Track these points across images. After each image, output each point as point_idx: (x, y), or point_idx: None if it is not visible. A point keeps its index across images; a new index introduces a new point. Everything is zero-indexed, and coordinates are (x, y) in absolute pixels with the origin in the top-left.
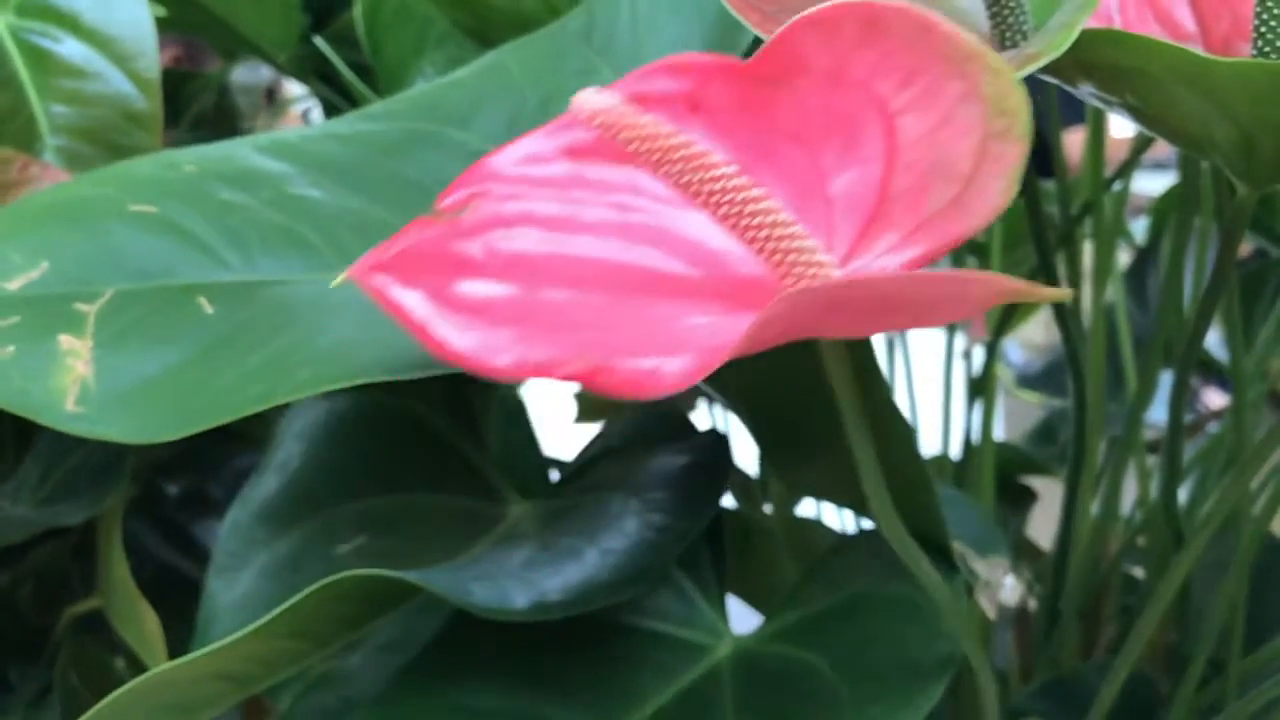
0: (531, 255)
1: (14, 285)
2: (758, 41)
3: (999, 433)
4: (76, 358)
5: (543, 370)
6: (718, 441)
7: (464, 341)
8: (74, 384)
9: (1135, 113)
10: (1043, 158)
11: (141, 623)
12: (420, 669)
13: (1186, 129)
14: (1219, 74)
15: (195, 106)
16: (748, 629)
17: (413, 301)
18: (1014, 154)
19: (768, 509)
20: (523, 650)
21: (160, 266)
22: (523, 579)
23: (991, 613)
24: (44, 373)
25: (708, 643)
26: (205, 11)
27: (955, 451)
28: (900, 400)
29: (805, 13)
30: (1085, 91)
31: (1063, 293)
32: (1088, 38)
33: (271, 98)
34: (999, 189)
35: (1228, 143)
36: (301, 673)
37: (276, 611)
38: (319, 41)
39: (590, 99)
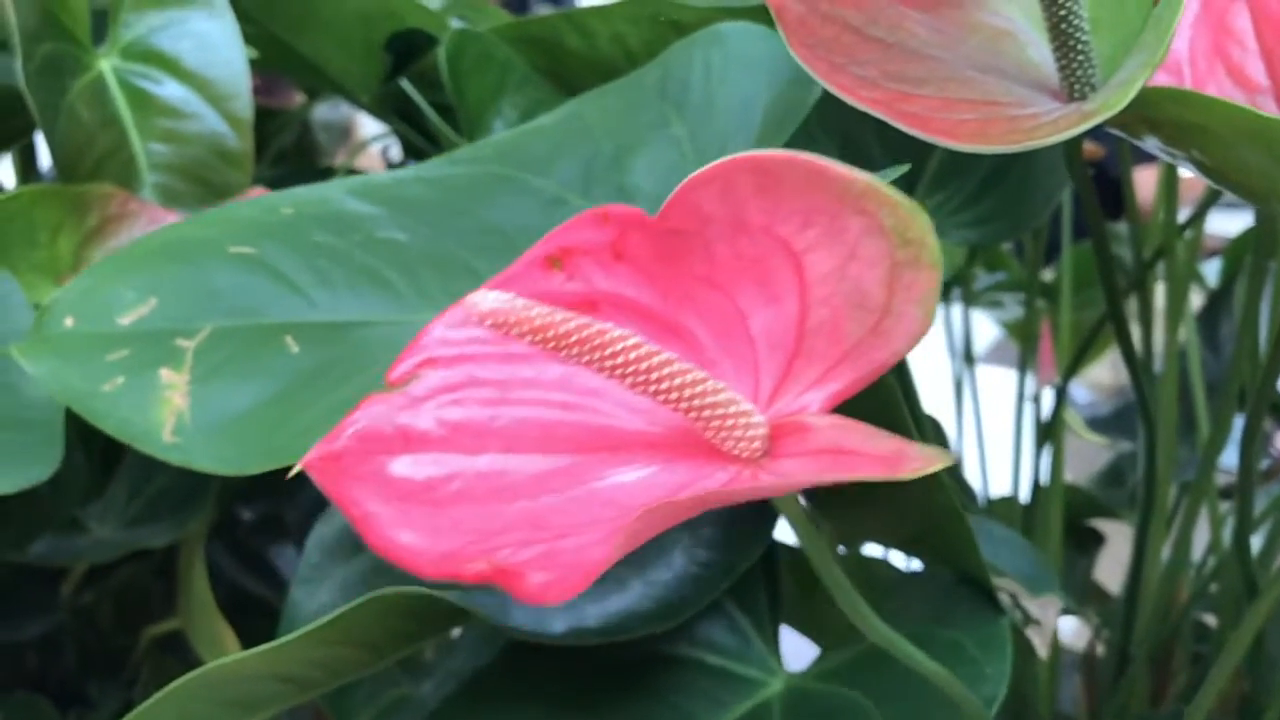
0: (474, 422)
1: (127, 320)
2: (828, 93)
3: (1068, 476)
4: (175, 390)
5: (455, 569)
6: None
7: (401, 539)
8: (171, 415)
9: (1201, 167)
10: (1114, 198)
11: (221, 643)
12: (472, 692)
13: (1252, 184)
14: None
15: (277, 143)
16: (807, 662)
17: (357, 494)
18: (926, 280)
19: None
20: (575, 677)
21: (254, 305)
22: (564, 604)
23: (1043, 652)
24: (146, 404)
25: (760, 678)
26: (293, 53)
27: (1025, 494)
28: (969, 443)
29: (697, 172)
30: (1151, 145)
31: (945, 459)
32: (1152, 95)
33: (348, 134)
34: (917, 315)
35: None
36: (376, 697)
37: (326, 619)
38: (405, 84)
39: (480, 302)
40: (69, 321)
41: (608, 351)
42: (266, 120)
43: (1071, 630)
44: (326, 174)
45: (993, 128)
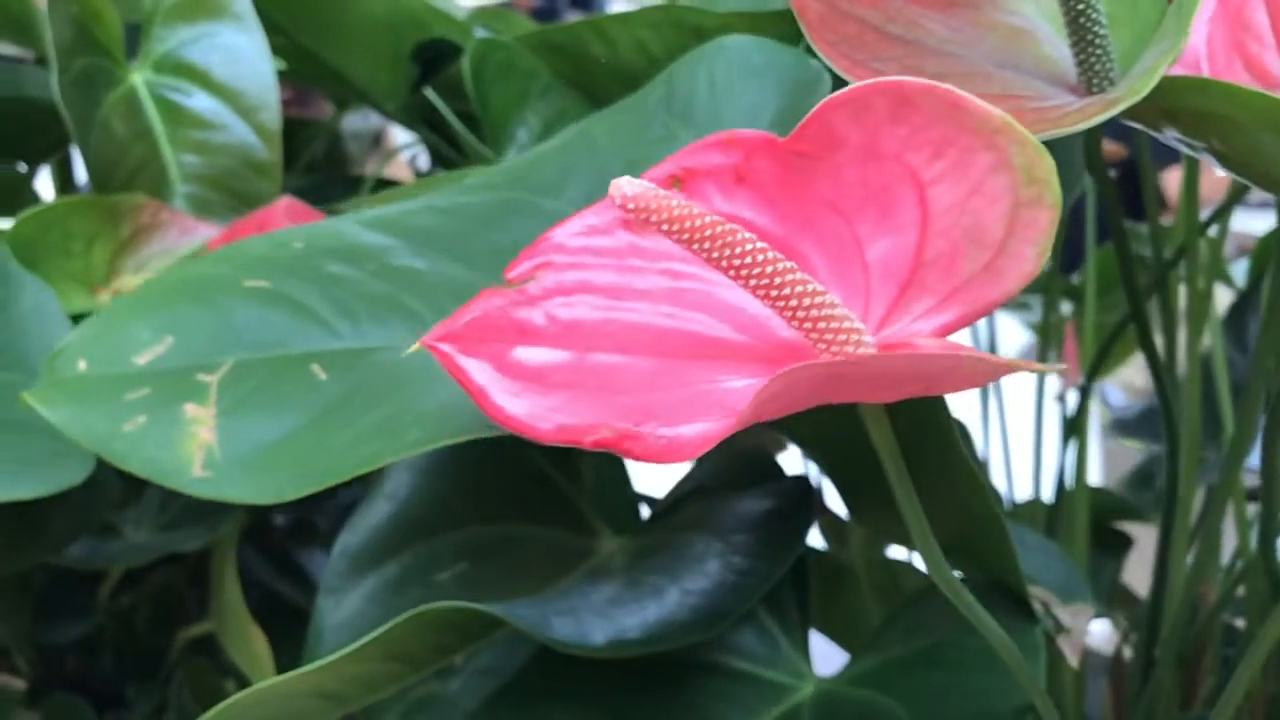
0: (587, 322)
1: (143, 360)
2: (837, 86)
3: (1098, 476)
4: (201, 424)
5: (576, 437)
6: (802, 487)
7: (514, 408)
8: (199, 450)
9: (1221, 158)
10: (1136, 198)
11: (251, 646)
12: (508, 695)
13: (1273, 173)
14: None
15: (308, 152)
16: (835, 668)
17: (474, 369)
18: (1045, 220)
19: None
20: (608, 681)
21: (275, 337)
22: (604, 615)
23: (1074, 661)
24: (172, 440)
25: (790, 683)
26: (321, 64)
27: (1049, 497)
28: (995, 445)
29: (837, 93)
30: (1170, 136)
31: (1057, 367)
32: (1172, 84)
33: (377, 143)
34: (1031, 255)
35: None
36: (404, 695)
37: (369, 637)
38: (430, 94)
39: (624, 185)
40: (82, 365)
41: (738, 251)
42: (297, 130)
43: (1100, 634)
44: (357, 183)
45: (1020, 119)
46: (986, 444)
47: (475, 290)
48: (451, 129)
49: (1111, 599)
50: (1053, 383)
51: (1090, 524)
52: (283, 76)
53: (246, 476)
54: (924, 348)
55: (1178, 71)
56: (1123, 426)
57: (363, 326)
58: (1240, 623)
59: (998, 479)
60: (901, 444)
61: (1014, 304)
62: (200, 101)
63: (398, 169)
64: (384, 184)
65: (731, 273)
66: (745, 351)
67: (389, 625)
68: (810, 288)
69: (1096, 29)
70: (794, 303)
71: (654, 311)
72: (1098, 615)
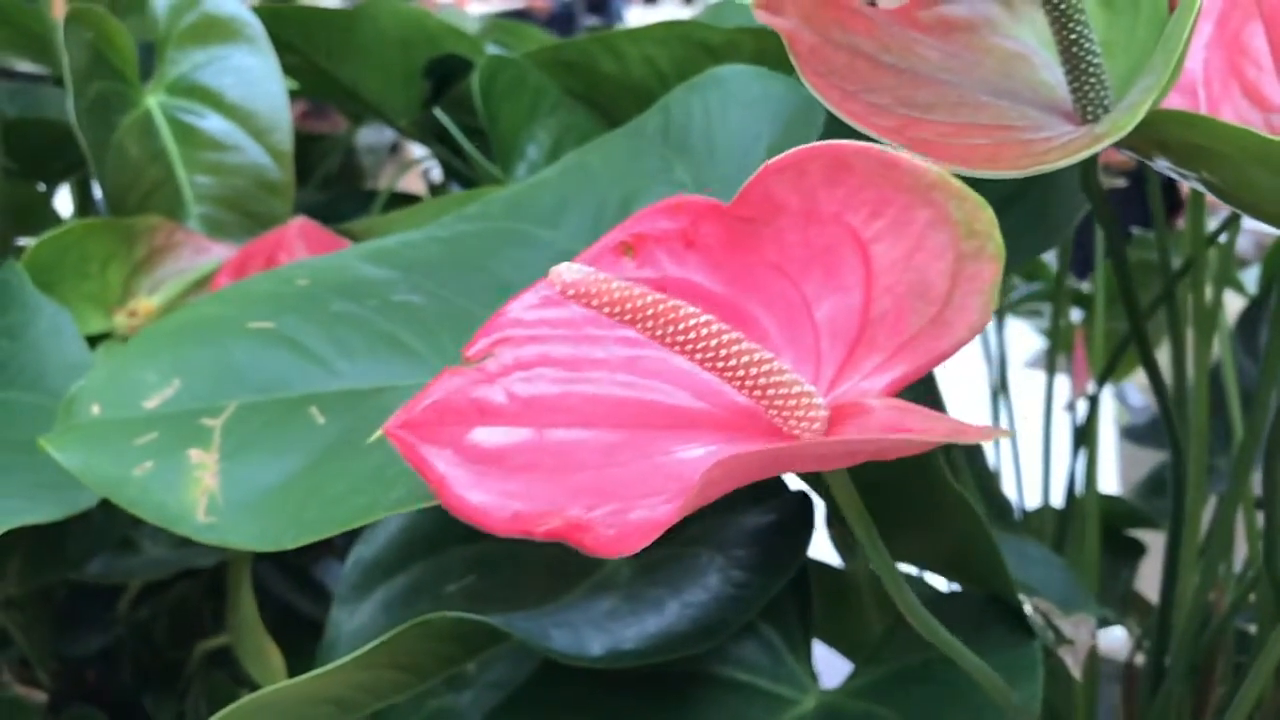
0: (547, 397)
1: (152, 404)
2: (830, 124)
3: (1114, 480)
4: (204, 470)
5: (529, 527)
6: (803, 503)
7: (473, 498)
8: (203, 495)
9: (1212, 188)
10: (1140, 207)
11: (267, 660)
12: (513, 706)
13: (1262, 205)
14: None
15: (323, 167)
16: (837, 677)
17: (433, 458)
18: (988, 273)
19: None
20: (610, 692)
21: (277, 379)
22: (602, 627)
23: (1077, 673)
24: (178, 486)
25: (792, 696)
26: (334, 81)
27: (1061, 504)
28: (1006, 453)
29: (772, 160)
30: (1162, 165)
31: (1000, 431)
32: (1161, 118)
33: (395, 151)
34: (977, 306)
35: None
36: (419, 707)
37: (374, 644)
38: (438, 113)
39: (564, 273)
40: (95, 409)
41: (681, 327)
42: (312, 145)
43: (1114, 641)
44: (370, 197)
45: (1005, 152)
46: (998, 453)
47: (475, 321)
48: (463, 143)
49: (1125, 606)
50: (1062, 390)
51: (1102, 531)
52: (300, 94)
53: (248, 522)
54: (866, 424)
55: (1173, 99)
56: (1135, 434)
57: (362, 365)
58: (1252, 627)
59: (1008, 488)
60: (887, 469)
61: (1025, 311)
62: (214, 123)
63: (412, 181)
64: (398, 198)
65: (677, 348)
66: (702, 419)
67: (393, 633)
68: (757, 356)
69: (1090, 58)
70: (741, 373)
71: (612, 381)
72: (1110, 623)
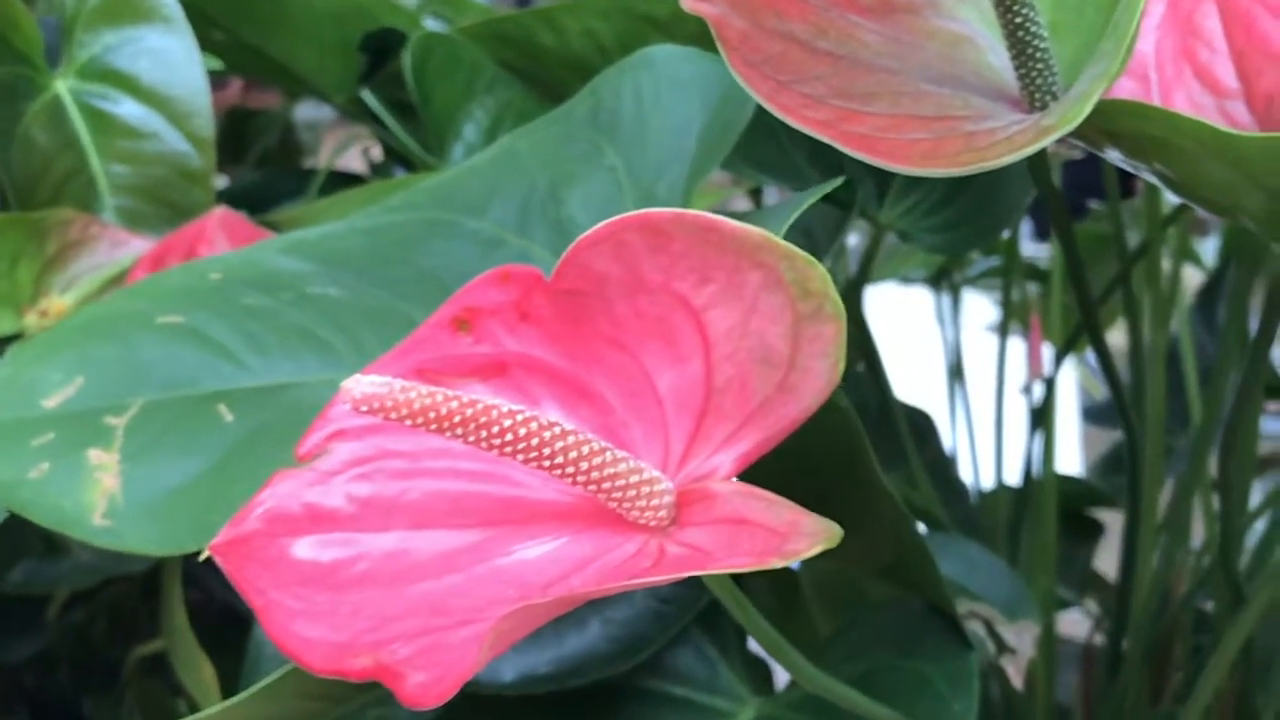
0: (384, 496)
1: (52, 403)
2: (761, 111)
3: (1078, 457)
4: (105, 471)
5: (340, 668)
6: None
7: (298, 629)
8: (102, 497)
9: (1165, 180)
10: (1097, 175)
11: (197, 670)
12: None
13: (1216, 199)
14: (1246, 147)
15: (259, 144)
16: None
17: (256, 582)
18: (830, 333)
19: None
20: (538, 711)
21: (185, 376)
22: (518, 649)
23: (1018, 682)
24: (75, 488)
25: (728, 708)
26: (264, 57)
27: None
28: (961, 435)
29: (586, 233)
30: (1114, 156)
31: (826, 538)
32: (1111, 108)
33: (341, 123)
34: (823, 368)
35: (1259, 211)
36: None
37: (276, 676)
38: (365, 96)
39: (353, 388)
40: None
41: (494, 430)
42: (248, 121)
43: (1072, 620)
44: (308, 176)
45: (945, 147)
46: (953, 432)
47: (395, 317)
48: (406, 120)
49: (1083, 586)
50: (1015, 371)
51: (1060, 512)
52: (230, 72)
53: (147, 526)
54: (719, 494)
55: (1124, 84)
56: (1095, 415)
57: (274, 360)
58: (1211, 605)
59: (964, 470)
60: (823, 476)
61: (983, 285)
62: (129, 109)
63: (355, 158)
64: (337, 177)
65: (495, 451)
66: (545, 510)
67: (292, 667)
68: (586, 450)
69: (1036, 42)
70: (570, 469)
71: (454, 470)
72: (1068, 604)
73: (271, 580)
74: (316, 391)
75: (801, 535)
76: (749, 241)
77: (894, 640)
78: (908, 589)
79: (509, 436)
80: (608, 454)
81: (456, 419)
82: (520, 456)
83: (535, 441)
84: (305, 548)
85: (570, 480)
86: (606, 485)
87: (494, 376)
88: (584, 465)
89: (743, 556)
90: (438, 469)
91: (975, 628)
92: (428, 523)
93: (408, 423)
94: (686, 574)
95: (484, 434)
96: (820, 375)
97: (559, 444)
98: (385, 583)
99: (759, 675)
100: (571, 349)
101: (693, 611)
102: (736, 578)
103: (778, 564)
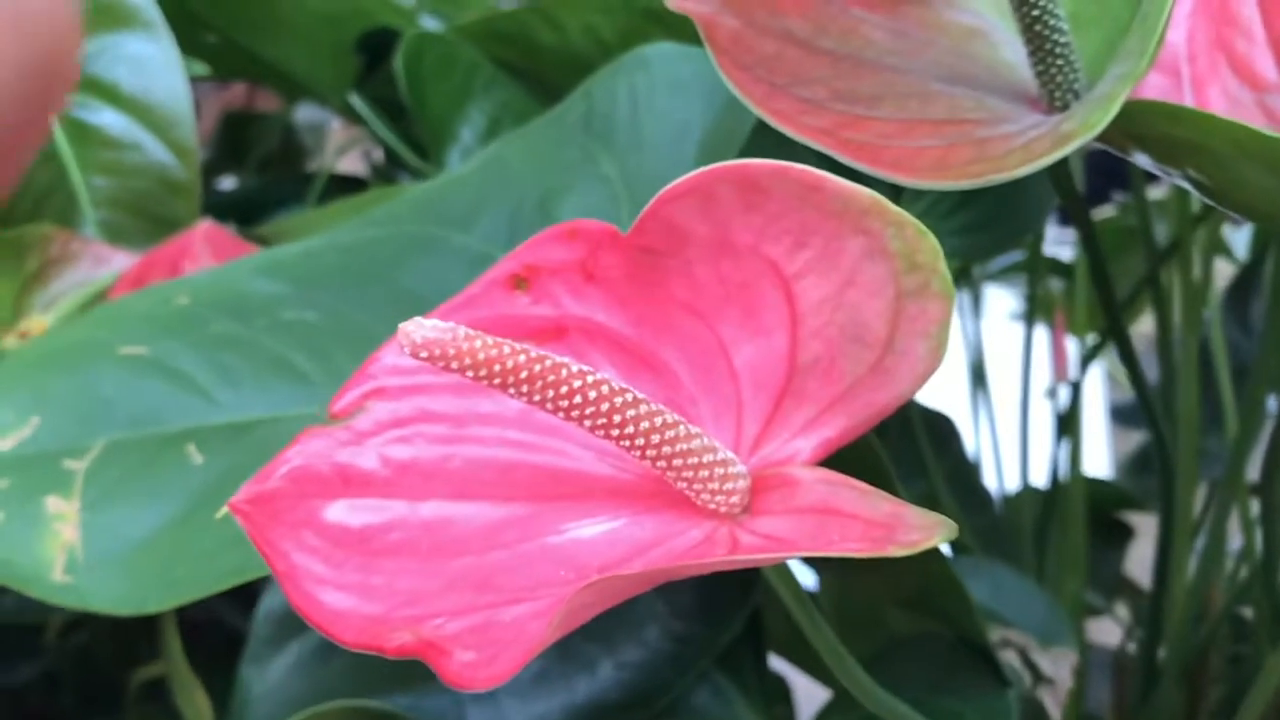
0: (424, 461)
1: (6, 445)
2: (761, 121)
3: (1106, 455)
4: (64, 522)
5: (378, 644)
6: None
7: (328, 599)
8: (61, 551)
9: (1198, 186)
10: (1120, 169)
11: (193, 700)
12: None
13: (1254, 204)
14: None
15: (260, 148)
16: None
17: (282, 544)
18: (936, 311)
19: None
20: None
21: (150, 413)
22: (525, 696)
23: (1056, 715)
24: (31, 541)
25: None
26: (259, 60)
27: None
28: (985, 441)
29: (673, 183)
30: (1142, 160)
31: (942, 530)
32: (1137, 110)
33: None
34: (924, 350)
35: None
36: None
37: None
38: (355, 100)
39: (413, 331)
40: None
41: (563, 390)
42: (248, 125)
43: (1102, 628)
44: (308, 180)
45: (955, 155)
46: (977, 434)
47: (374, 341)
48: (404, 121)
49: (1113, 591)
50: (1041, 376)
51: (1089, 516)
52: (224, 76)
53: (110, 582)
54: (801, 481)
55: (1153, 79)
56: (1123, 415)
57: (246, 394)
58: (1249, 612)
59: (988, 472)
60: None
61: (1007, 278)
62: (109, 119)
63: (357, 161)
64: (338, 181)
65: (561, 414)
66: (602, 486)
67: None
68: (659, 421)
69: (1056, 36)
70: (640, 440)
71: (501, 440)
72: (1099, 612)
73: (296, 543)
74: (292, 427)
75: (910, 527)
76: (856, 204)
77: (924, 676)
78: (934, 619)
79: (577, 399)
80: (680, 428)
81: (524, 374)
82: (588, 422)
83: (605, 407)
84: (335, 511)
85: (639, 454)
86: (677, 463)
87: (550, 340)
88: (655, 439)
89: (854, 541)
90: (484, 436)
91: (1009, 657)
92: (471, 493)
93: (469, 375)
94: (773, 558)
95: (550, 394)
96: (920, 359)
97: (630, 412)
98: (423, 555)
99: (781, 717)
100: (640, 314)
101: (713, 652)
102: (754, 623)
103: (896, 553)
